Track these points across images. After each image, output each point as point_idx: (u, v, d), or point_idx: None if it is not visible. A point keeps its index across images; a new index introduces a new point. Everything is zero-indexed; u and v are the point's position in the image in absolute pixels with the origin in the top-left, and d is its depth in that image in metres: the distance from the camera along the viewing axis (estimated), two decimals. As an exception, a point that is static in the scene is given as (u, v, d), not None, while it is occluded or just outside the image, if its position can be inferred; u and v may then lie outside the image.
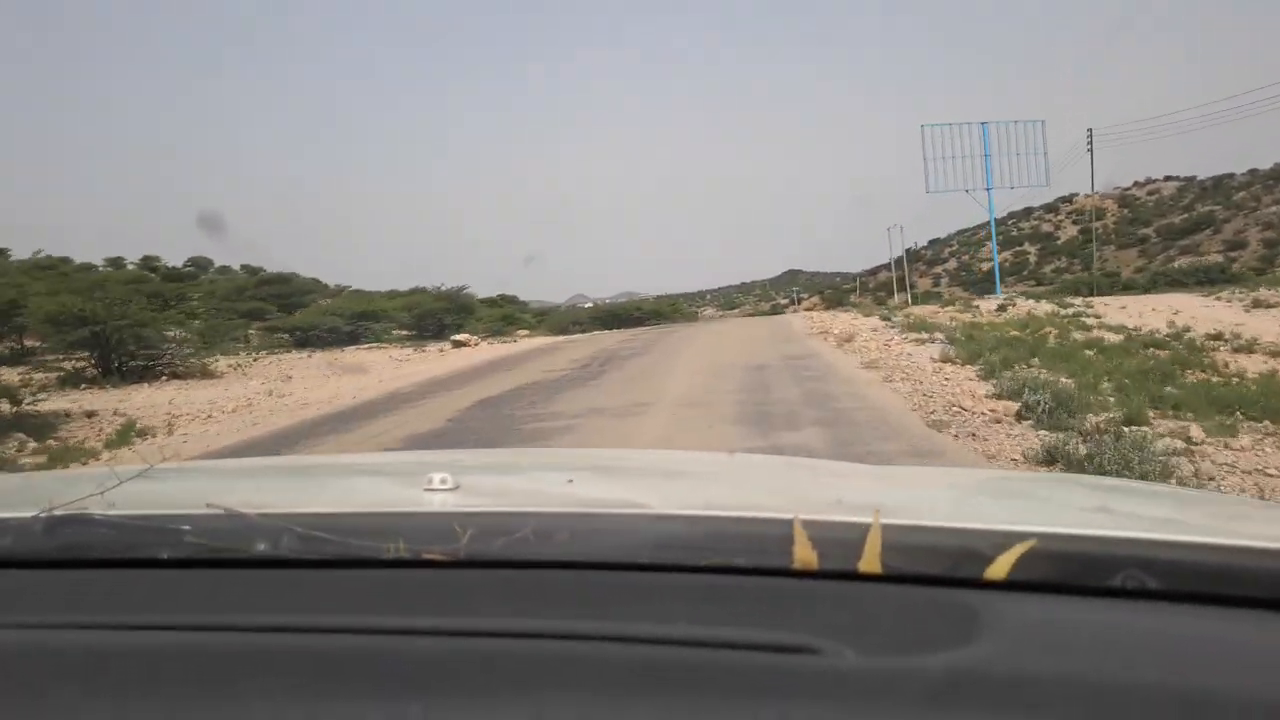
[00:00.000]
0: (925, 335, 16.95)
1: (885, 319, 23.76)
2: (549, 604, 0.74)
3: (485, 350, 24.83)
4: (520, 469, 1.53)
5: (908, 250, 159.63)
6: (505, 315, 46.50)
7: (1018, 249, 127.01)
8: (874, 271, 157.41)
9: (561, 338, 33.33)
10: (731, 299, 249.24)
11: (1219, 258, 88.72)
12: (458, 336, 25.83)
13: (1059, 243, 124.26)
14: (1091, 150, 56.87)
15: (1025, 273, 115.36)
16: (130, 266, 65.63)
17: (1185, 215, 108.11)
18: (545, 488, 1.16)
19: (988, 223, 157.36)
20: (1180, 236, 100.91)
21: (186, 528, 0.81)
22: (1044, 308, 28.38)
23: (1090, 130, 57.69)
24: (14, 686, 0.65)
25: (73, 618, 0.76)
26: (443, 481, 0.97)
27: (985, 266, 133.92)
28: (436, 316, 38.30)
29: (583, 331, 43.89)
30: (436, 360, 21.84)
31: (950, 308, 31.09)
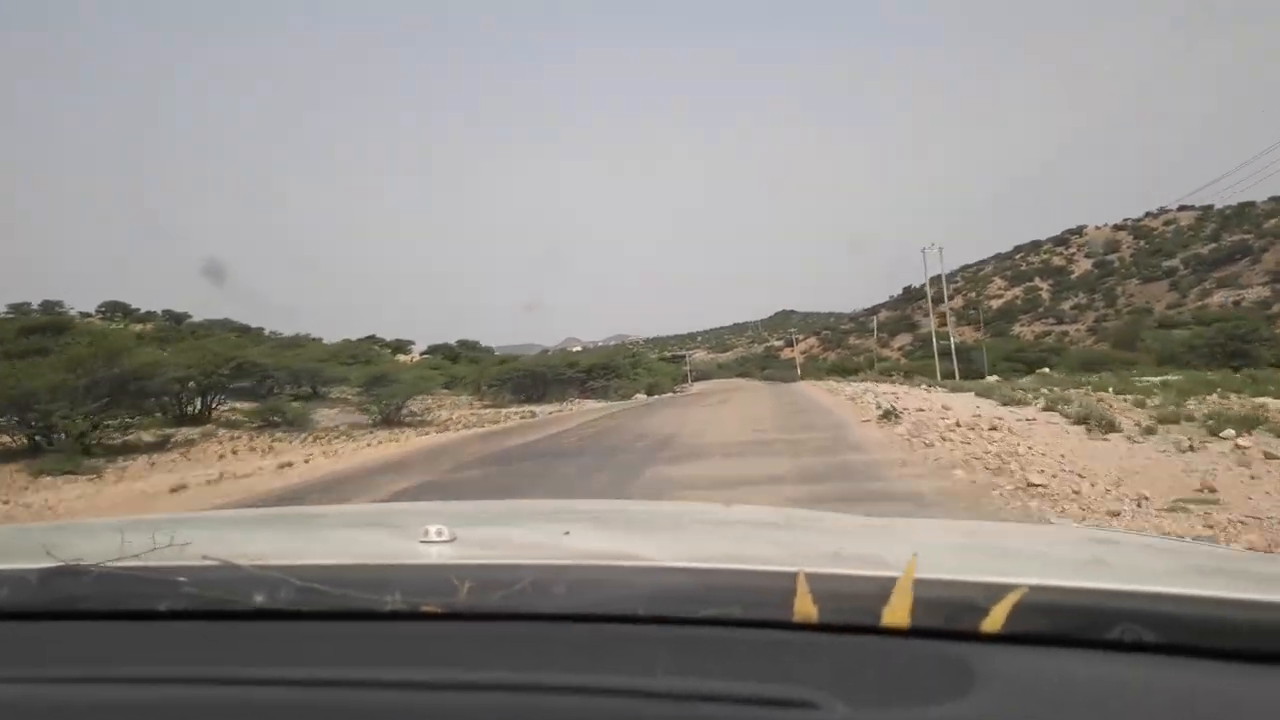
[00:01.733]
0: None
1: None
2: (546, 656, 0.73)
3: None
4: (517, 520, 1.50)
5: (907, 289, 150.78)
6: (374, 376, 29.99)
7: (1028, 284, 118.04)
8: (873, 311, 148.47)
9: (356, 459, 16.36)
10: (724, 340, 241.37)
11: (1264, 290, 79.56)
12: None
13: (1073, 278, 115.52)
14: None
15: (1040, 310, 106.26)
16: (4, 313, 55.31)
17: (1214, 245, 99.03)
18: (542, 539, 1.15)
19: (992, 257, 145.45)
20: (1213, 268, 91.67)
21: (183, 579, 0.81)
22: None
23: None
24: None
25: (68, 671, 0.75)
26: (439, 533, 0.96)
27: (995, 304, 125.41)
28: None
29: (492, 405, 33.73)
30: None
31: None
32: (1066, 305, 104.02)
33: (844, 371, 72.66)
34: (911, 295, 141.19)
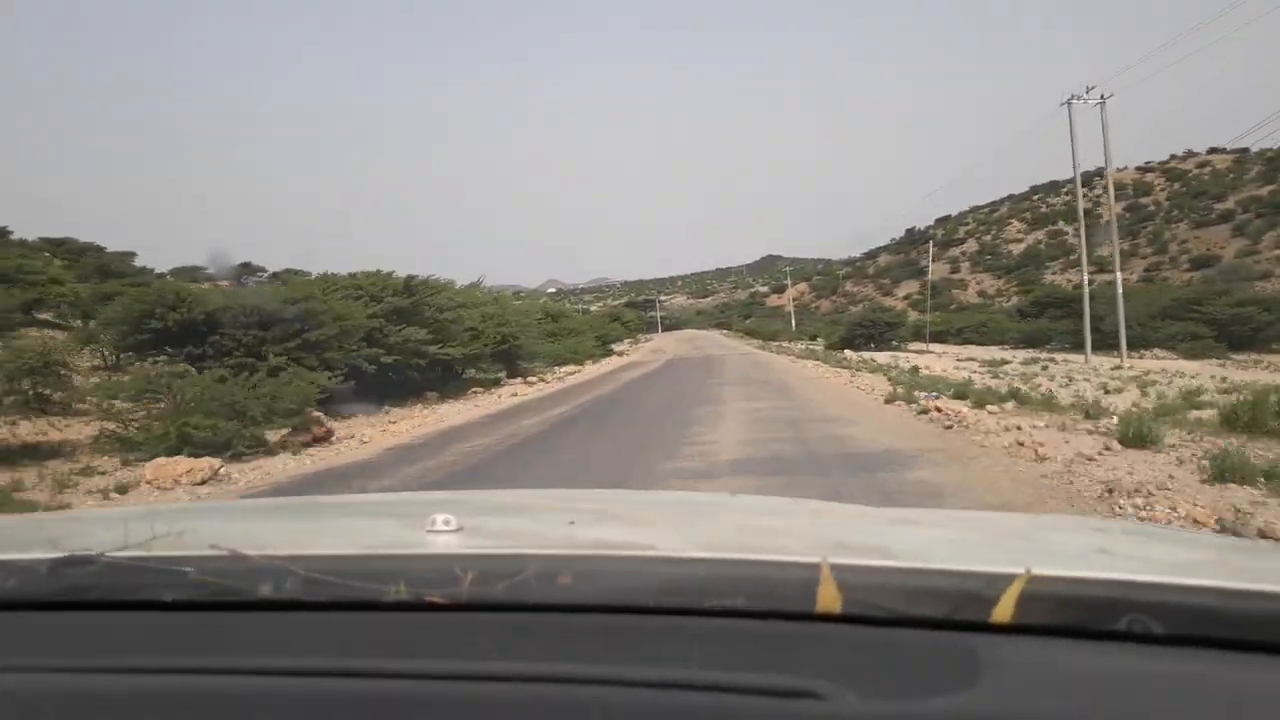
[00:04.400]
0: None
1: None
2: (551, 647, 0.74)
3: None
4: (524, 510, 1.51)
5: (910, 231, 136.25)
6: None
7: (1051, 228, 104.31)
8: (872, 255, 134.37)
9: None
10: (705, 285, 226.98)
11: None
12: None
13: (1103, 221, 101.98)
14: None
15: (1073, 256, 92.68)
16: None
17: (1272, 187, 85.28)
18: (548, 529, 1.14)
19: (1006, 198, 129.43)
20: (1279, 211, 77.93)
21: (190, 569, 0.81)
22: None
23: None
24: None
25: (76, 661, 0.76)
26: (446, 523, 0.96)
27: (1014, 248, 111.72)
28: None
29: None
30: None
31: None
32: (1105, 251, 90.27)
33: (867, 332, 44.84)
34: (915, 238, 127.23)
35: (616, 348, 50.56)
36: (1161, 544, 1.20)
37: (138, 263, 36.80)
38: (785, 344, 51.87)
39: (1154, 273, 73.02)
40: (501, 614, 0.77)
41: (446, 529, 0.95)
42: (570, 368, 31.56)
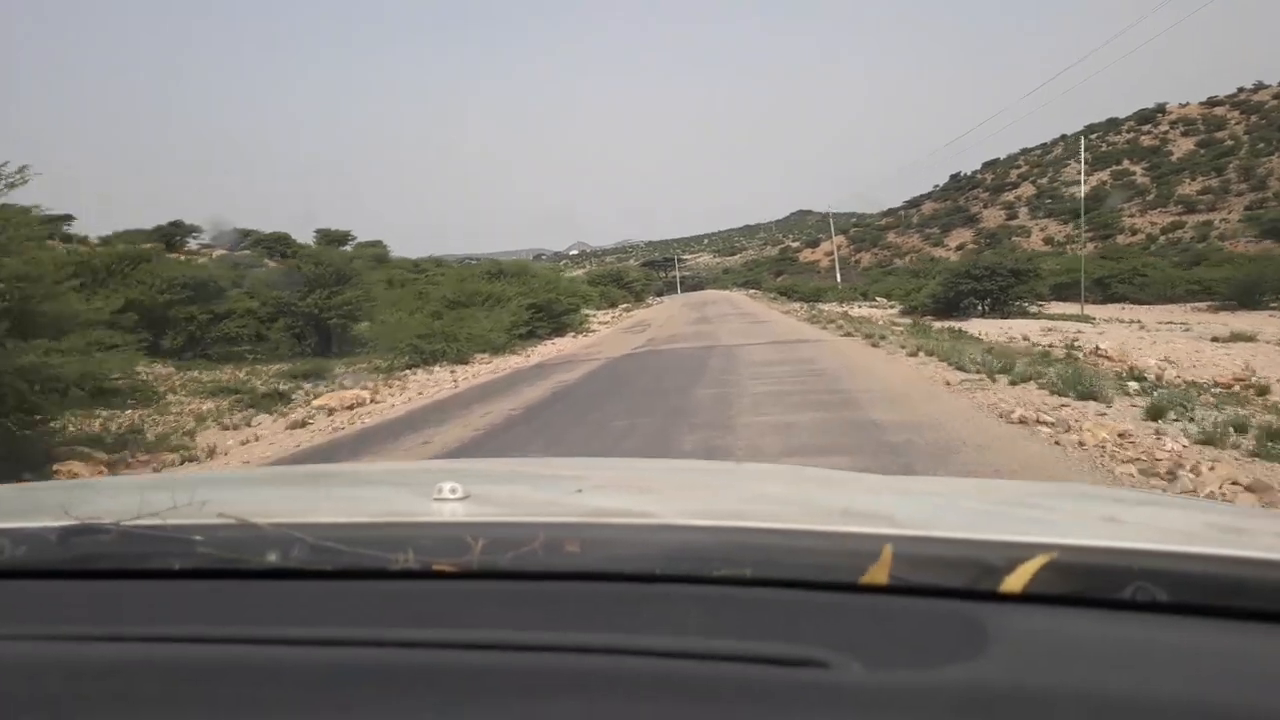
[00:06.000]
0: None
1: None
2: (559, 615, 0.74)
3: None
4: (531, 479, 1.50)
5: (954, 176, 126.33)
6: None
7: (1116, 168, 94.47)
8: (915, 204, 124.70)
9: None
10: (733, 243, 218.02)
11: None
12: None
13: (1173, 159, 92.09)
14: None
15: (1151, 197, 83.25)
16: None
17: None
18: (556, 498, 1.14)
19: (1059, 139, 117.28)
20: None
21: (198, 538, 0.81)
22: None
23: None
24: (27, 698, 0.66)
25: (86, 629, 0.76)
26: (453, 491, 0.96)
27: (1074, 190, 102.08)
28: None
29: None
30: None
31: None
32: (1188, 189, 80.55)
33: (977, 286, 27.37)
34: (961, 184, 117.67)
35: (601, 315, 37.07)
36: (1169, 512, 1.18)
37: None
38: (846, 308, 33.41)
39: (1258, 210, 63.65)
40: (509, 582, 0.77)
41: (453, 497, 0.94)
42: (396, 387, 13.68)
